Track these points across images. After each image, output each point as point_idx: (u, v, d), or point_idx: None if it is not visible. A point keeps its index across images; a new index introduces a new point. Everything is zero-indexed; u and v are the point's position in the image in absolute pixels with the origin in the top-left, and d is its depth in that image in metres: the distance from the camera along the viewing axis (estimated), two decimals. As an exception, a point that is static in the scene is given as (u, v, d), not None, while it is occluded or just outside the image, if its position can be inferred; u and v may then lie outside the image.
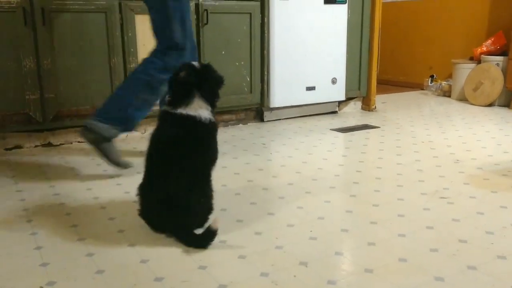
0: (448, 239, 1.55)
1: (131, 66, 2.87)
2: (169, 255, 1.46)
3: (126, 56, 2.86)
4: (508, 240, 1.54)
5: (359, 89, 3.83)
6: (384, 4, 4.40)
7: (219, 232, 1.54)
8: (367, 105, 3.90)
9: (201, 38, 3.05)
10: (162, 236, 1.59)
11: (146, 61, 2.24)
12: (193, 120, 1.56)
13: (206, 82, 1.60)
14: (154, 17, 2.21)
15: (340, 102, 3.81)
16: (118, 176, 2.23)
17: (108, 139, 2.17)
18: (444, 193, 1.97)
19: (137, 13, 2.84)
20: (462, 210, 1.79)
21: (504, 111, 3.84)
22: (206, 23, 3.04)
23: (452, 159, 2.47)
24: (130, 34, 2.84)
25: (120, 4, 2.79)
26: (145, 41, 2.91)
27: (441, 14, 4.89)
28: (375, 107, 3.91)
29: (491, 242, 1.53)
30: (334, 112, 3.78)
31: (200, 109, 1.58)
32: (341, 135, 3.07)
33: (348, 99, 3.82)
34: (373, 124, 3.38)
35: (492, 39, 4.16)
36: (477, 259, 1.41)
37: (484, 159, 2.46)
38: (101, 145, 2.16)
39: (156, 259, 1.43)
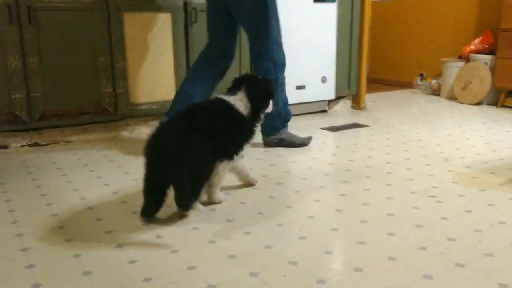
0: (437, 237, 1.55)
1: (119, 64, 2.85)
2: (157, 256, 1.44)
3: (113, 54, 2.83)
4: (495, 237, 1.55)
5: (349, 87, 3.83)
6: (373, 3, 4.41)
7: (208, 232, 1.56)
8: (357, 104, 3.91)
9: (189, 37, 3.03)
10: (151, 236, 1.57)
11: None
12: (228, 104, 1.78)
13: (256, 89, 1.85)
14: (250, 16, 2.47)
15: (330, 101, 3.81)
16: (106, 176, 2.21)
17: (284, 139, 2.71)
18: (433, 192, 1.97)
19: (125, 11, 2.82)
20: (451, 208, 1.80)
21: (492, 109, 3.87)
22: (195, 21, 3.02)
23: (441, 157, 2.48)
24: (118, 33, 2.82)
25: (107, 2, 2.76)
26: (133, 39, 2.88)
27: (430, 13, 4.91)
28: (365, 106, 3.92)
29: (479, 240, 1.53)
30: (324, 111, 3.78)
31: (239, 101, 1.80)
32: (331, 134, 3.07)
33: (338, 98, 3.82)
34: (363, 123, 3.38)
35: (480, 38, 4.19)
36: (465, 257, 1.42)
37: (473, 158, 2.47)
38: (286, 142, 2.71)
39: (144, 260, 1.41)
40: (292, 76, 3.46)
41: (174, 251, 1.47)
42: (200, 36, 3.06)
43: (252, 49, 2.57)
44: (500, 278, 1.30)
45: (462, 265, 1.37)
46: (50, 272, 1.35)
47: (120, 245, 1.51)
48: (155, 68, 2.99)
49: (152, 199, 1.66)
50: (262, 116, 1.91)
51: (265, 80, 1.97)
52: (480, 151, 2.60)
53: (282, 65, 2.58)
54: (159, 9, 2.91)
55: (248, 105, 1.81)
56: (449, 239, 1.54)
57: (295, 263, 1.39)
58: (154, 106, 3.02)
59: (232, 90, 1.85)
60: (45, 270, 1.36)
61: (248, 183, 2.03)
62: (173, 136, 1.61)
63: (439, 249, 1.47)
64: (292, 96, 3.50)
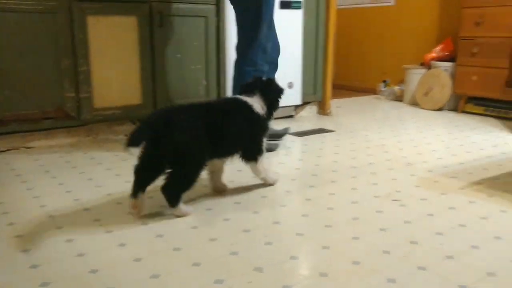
0: (400, 241, 1.58)
1: (82, 69, 2.78)
2: (120, 264, 1.41)
3: (77, 58, 2.77)
4: (456, 240, 1.59)
5: (315, 93, 3.87)
6: (338, 10, 4.48)
7: (173, 239, 1.53)
8: (322, 109, 3.96)
9: (155, 41, 3.00)
10: (113, 244, 1.53)
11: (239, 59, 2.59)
12: (245, 104, 1.92)
13: (269, 88, 2.02)
14: (244, 17, 2.51)
15: (296, 106, 3.84)
16: (68, 183, 2.15)
17: None
18: (396, 196, 2.01)
19: (89, 15, 2.76)
20: (413, 212, 1.84)
21: (452, 115, 3.99)
22: (161, 26, 2.99)
23: (404, 162, 2.54)
24: (81, 36, 2.75)
25: (70, 5, 2.69)
26: (97, 43, 2.82)
27: (393, 21, 5.03)
28: (331, 111, 3.97)
29: (440, 242, 1.57)
30: (291, 116, 3.81)
31: (255, 103, 1.94)
32: (297, 139, 3.10)
33: (305, 103, 3.86)
34: (328, 128, 3.42)
35: (441, 46, 4.32)
36: (427, 259, 1.45)
37: (434, 162, 2.54)
38: None
39: (106, 269, 1.38)
40: (259, 81, 3.47)
41: (138, 259, 1.44)
42: (166, 40, 3.03)
43: (236, 49, 2.58)
44: (459, 280, 1.33)
45: (424, 268, 1.40)
46: (5, 285, 1.30)
47: (81, 254, 1.47)
48: (119, 72, 2.93)
49: (140, 177, 1.71)
50: (273, 114, 2.07)
51: (273, 80, 2.11)
52: (441, 156, 2.67)
53: (263, 73, 2.57)
54: (123, 12, 2.86)
55: (264, 106, 1.98)
56: (412, 242, 1.57)
57: (260, 269, 1.38)
58: (119, 111, 2.96)
59: (246, 93, 1.98)
60: None
61: (217, 189, 2.02)
62: (167, 116, 1.70)
63: (402, 253, 1.49)
64: (259, 101, 3.51)
